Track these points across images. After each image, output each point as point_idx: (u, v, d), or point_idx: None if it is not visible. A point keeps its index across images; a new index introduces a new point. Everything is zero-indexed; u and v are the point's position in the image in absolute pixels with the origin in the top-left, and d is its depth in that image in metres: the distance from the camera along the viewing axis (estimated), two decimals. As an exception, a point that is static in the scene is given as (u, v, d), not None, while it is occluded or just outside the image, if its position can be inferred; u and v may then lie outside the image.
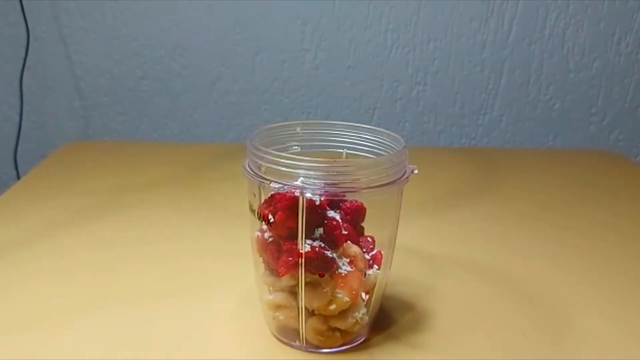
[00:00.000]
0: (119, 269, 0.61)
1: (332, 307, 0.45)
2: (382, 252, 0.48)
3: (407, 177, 0.45)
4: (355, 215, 0.48)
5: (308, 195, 0.43)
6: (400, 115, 1.10)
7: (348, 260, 0.46)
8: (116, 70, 1.06)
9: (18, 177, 1.05)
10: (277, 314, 0.47)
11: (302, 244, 0.44)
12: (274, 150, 0.44)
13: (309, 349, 0.48)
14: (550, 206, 0.81)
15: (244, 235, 0.49)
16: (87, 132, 1.09)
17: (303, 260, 0.43)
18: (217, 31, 1.04)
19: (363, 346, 0.49)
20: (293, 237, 0.44)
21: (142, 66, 1.05)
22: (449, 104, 1.10)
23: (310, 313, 0.46)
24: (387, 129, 0.49)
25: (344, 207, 0.47)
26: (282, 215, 0.43)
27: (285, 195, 0.43)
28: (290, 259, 0.44)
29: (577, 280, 0.62)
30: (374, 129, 0.49)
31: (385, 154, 0.48)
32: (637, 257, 0.67)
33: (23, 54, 1.02)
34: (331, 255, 0.44)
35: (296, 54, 1.06)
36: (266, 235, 0.46)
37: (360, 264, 0.47)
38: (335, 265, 0.45)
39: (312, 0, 1.03)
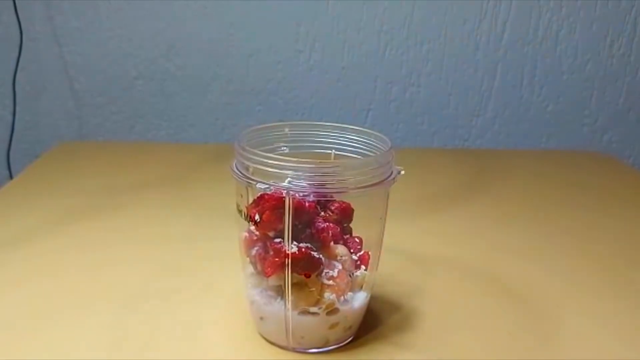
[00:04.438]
0: (109, 269, 0.61)
1: (319, 307, 0.45)
2: (370, 253, 0.49)
3: (394, 178, 0.46)
4: (343, 216, 0.48)
5: (295, 196, 0.43)
6: (394, 117, 1.10)
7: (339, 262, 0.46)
8: (110, 71, 1.06)
9: (11, 178, 1.05)
10: (264, 314, 0.48)
11: (288, 245, 0.44)
12: (261, 151, 0.45)
13: (297, 349, 0.48)
14: (542, 208, 0.82)
15: (234, 236, 0.49)
16: (81, 132, 1.09)
17: (290, 260, 0.44)
18: (211, 32, 1.04)
19: (351, 346, 0.49)
20: (280, 237, 0.44)
21: (137, 66, 1.06)
22: (442, 106, 1.10)
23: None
24: (379, 131, 0.49)
25: (332, 207, 0.47)
26: (269, 215, 0.44)
27: (273, 195, 0.43)
28: (276, 259, 0.44)
29: (566, 281, 0.62)
30: (361, 130, 0.49)
31: (373, 154, 0.48)
32: (627, 258, 0.67)
33: (16, 54, 1.02)
34: (318, 256, 0.44)
35: (290, 55, 1.06)
36: (253, 235, 0.46)
37: (348, 265, 0.47)
38: (322, 266, 0.45)
39: (306, 1, 1.03)
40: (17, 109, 1.05)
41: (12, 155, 1.07)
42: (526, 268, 0.64)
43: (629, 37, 1.08)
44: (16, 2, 0.99)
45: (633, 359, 0.49)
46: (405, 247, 0.67)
